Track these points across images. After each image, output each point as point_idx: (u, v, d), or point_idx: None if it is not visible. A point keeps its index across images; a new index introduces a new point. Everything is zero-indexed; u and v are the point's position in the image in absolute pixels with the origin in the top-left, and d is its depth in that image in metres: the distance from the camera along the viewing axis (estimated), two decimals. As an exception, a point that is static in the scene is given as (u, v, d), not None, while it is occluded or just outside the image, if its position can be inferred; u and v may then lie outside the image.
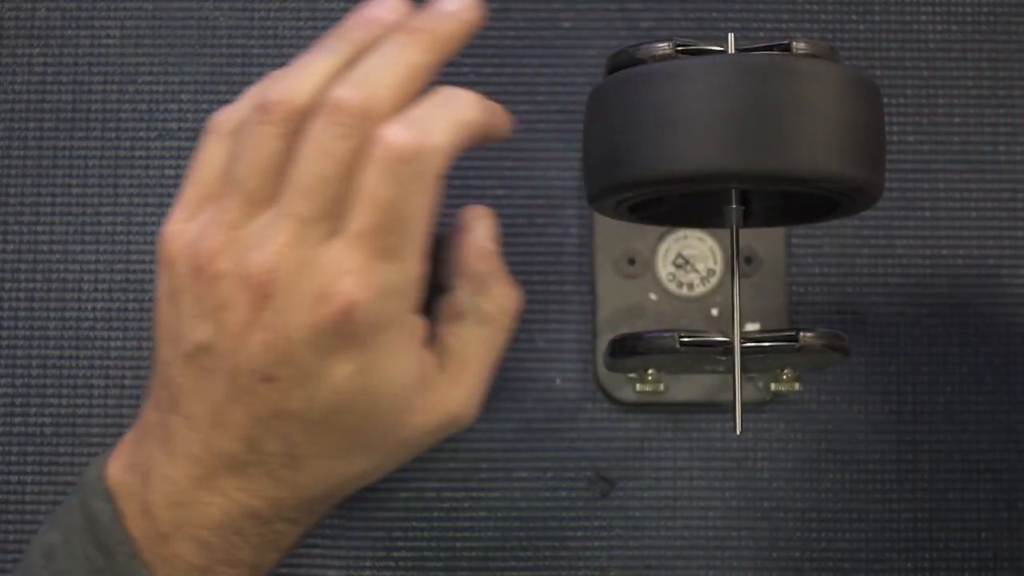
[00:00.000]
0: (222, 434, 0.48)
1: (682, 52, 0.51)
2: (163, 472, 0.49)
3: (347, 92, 0.46)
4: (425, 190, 0.46)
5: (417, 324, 0.49)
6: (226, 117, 0.50)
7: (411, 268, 0.47)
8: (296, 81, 0.48)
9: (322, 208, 0.46)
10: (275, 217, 0.47)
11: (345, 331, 0.46)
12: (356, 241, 0.46)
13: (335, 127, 0.46)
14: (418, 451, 0.53)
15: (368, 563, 0.69)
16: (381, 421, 0.49)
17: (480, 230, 0.53)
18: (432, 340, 0.52)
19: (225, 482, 0.49)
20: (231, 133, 0.49)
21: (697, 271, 0.70)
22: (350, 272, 0.46)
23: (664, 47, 0.51)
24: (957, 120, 0.72)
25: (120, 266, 0.71)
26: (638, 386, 0.62)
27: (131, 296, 0.71)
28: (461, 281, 0.52)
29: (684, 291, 0.70)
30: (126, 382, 0.70)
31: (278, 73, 0.49)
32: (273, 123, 0.47)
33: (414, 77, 0.48)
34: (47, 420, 0.70)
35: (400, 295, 0.47)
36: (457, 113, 0.47)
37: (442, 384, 0.51)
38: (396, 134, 0.46)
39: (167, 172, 0.71)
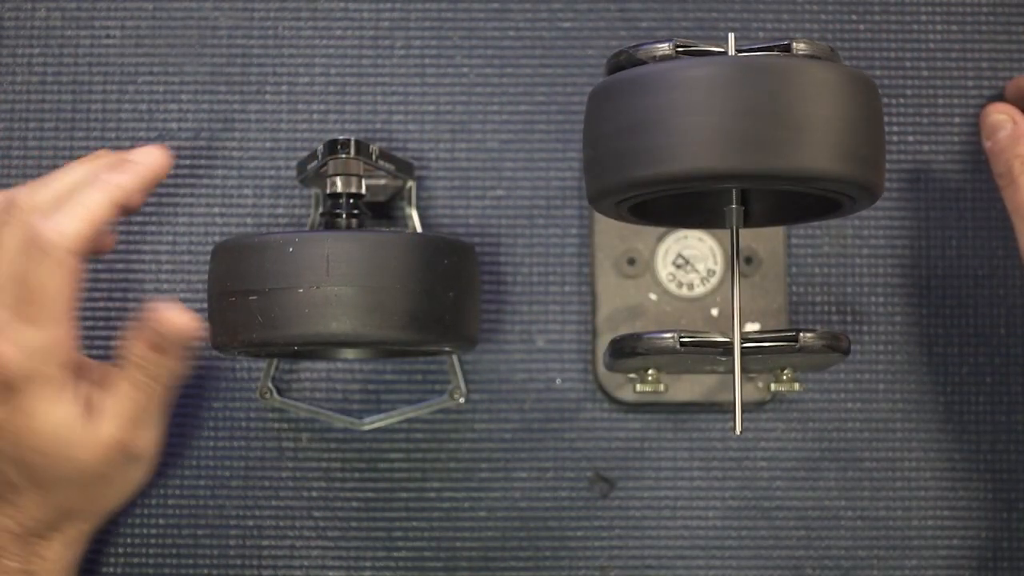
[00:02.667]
0: None
1: (682, 52, 0.51)
2: None
3: (11, 192, 0.58)
4: (56, 268, 0.56)
5: (65, 377, 0.58)
6: None
7: (51, 333, 0.56)
8: None
9: None
10: None
11: (3, 381, 0.56)
12: (7, 309, 0.56)
13: None
14: (113, 480, 0.62)
15: (368, 563, 0.70)
16: (52, 456, 0.58)
17: (149, 326, 0.60)
18: (97, 386, 0.61)
19: None
20: None
21: (697, 271, 0.70)
22: (3, 330, 0.56)
23: (664, 47, 0.51)
24: (957, 120, 0.72)
25: (120, 266, 0.70)
26: (638, 386, 0.62)
27: (130, 296, 0.71)
28: (125, 350, 0.60)
29: (684, 291, 0.70)
30: (126, 382, 0.70)
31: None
32: None
33: (70, 191, 0.59)
34: (47, 420, 0.70)
35: (43, 353, 0.56)
36: (85, 203, 0.57)
37: (102, 421, 0.59)
38: (35, 222, 0.56)
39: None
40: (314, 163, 0.64)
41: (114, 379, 0.61)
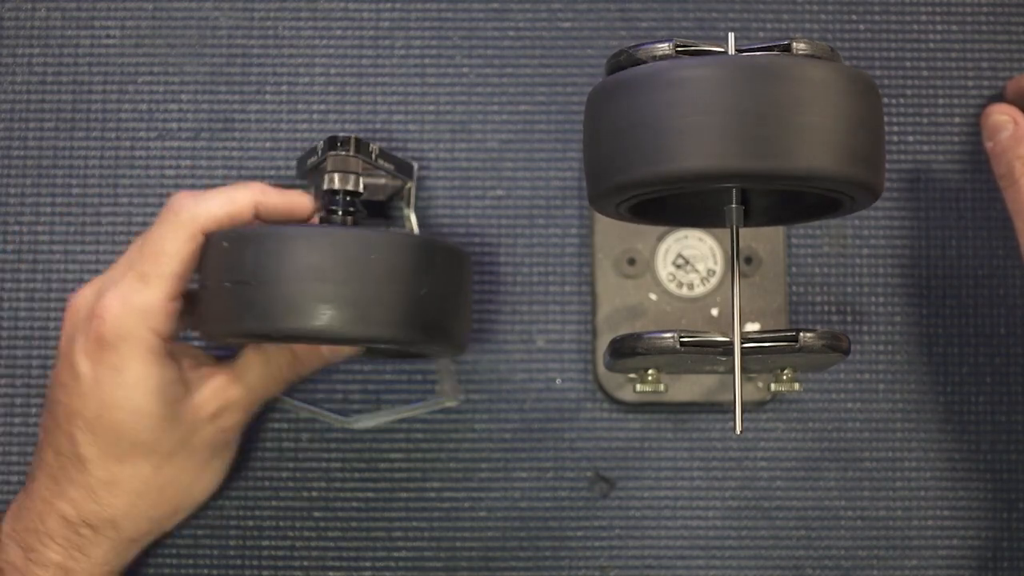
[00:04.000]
0: (43, 446, 0.61)
1: (682, 52, 0.51)
2: (22, 493, 0.62)
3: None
4: (179, 234, 0.59)
5: (161, 344, 0.60)
6: None
7: (154, 294, 0.59)
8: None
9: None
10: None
11: (100, 334, 0.59)
12: (129, 268, 0.60)
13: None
14: (179, 479, 0.63)
15: (368, 563, 0.70)
16: (142, 418, 0.59)
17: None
18: (205, 366, 0.63)
19: (42, 487, 0.60)
20: None
21: (697, 271, 0.70)
22: (116, 286, 0.60)
23: (664, 47, 0.51)
24: (957, 120, 0.72)
25: (120, 266, 0.70)
26: (638, 386, 0.62)
27: (131, 296, 0.70)
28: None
29: (684, 291, 0.70)
30: (126, 382, 0.70)
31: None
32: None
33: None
34: (47, 420, 0.70)
35: (141, 314, 0.59)
36: (232, 193, 0.61)
37: (207, 390, 0.62)
38: (179, 196, 0.61)
39: (167, 172, 0.71)
40: (314, 158, 0.64)
41: (238, 364, 0.63)
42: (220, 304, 0.59)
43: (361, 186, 0.64)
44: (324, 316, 0.57)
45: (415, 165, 0.69)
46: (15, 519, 0.61)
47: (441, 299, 0.60)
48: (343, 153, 0.63)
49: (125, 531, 0.61)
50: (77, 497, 0.60)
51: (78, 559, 0.60)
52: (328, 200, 0.63)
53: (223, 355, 0.65)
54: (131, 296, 0.59)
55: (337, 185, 0.63)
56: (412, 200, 0.69)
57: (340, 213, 0.63)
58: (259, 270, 0.57)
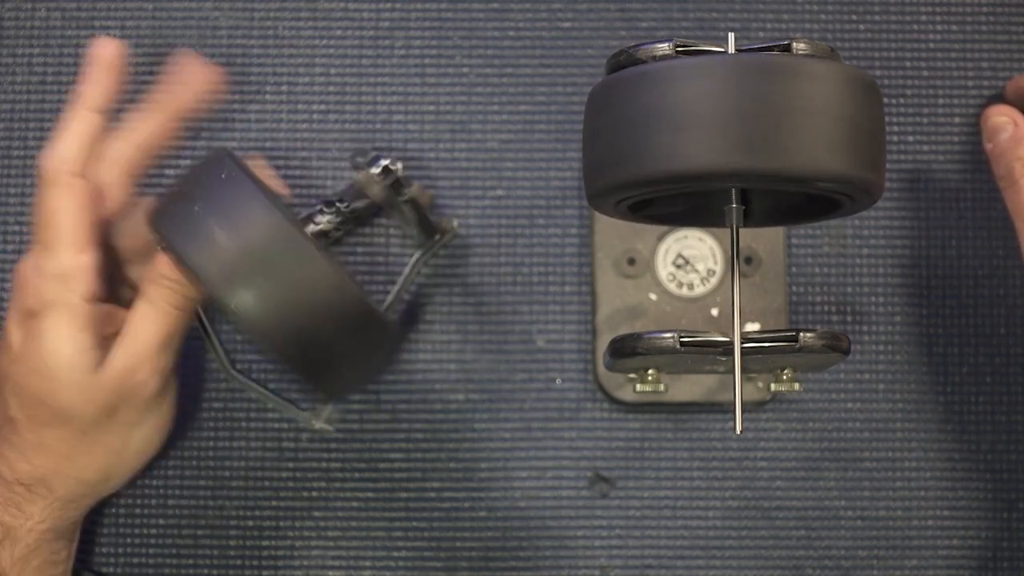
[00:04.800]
0: None
1: (682, 52, 0.51)
2: None
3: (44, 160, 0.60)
4: (61, 191, 0.58)
5: (81, 308, 0.59)
6: None
7: (66, 259, 0.58)
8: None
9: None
10: None
11: (26, 306, 0.59)
12: (35, 241, 0.59)
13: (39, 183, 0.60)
14: (106, 437, 0.62)
15: (368, 563, 0.70)
16: (54, 381, 0.59)
17: (137, 214, 0.61)
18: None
19: None
20: None
21: (697, 271, 0.70)
22: (28, 260, 0.60)
23: (664, 47, 0.51)
24: (957, 120, 0.72)
25: (120, 266, 0.70)
26: (638, 386, 0.62)
27: (131, 296, 0.70)
28: (149, 271, 0.61)
29: (684, 291, 0.70)
30: (126, 382, 0.70)
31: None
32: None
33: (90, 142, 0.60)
34: (47, 420, 0.70)
35: (59, 280, 0.58)
36: (69, 127, 0.60)
37: (116, 351, 0.60)
38: (42, 161, 0.59)
39: (167, 172, 0.71)
40: (360, 159, 0.64)
41: (130, 316, 0.61)
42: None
43: (363, 212, 0.64)
44: (242, 296, 0.55)
45: (449, 225, 0.69)
46: None
47: (333, 352, 0.57)
48: (374, 177, 0.62)
49: (57, 491, 0.62)
50: (11, 456, 0.61)
51: (16, 516, 0.61)
52: (329, 203, 0.63)
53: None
54: (41, 264, 0.59)
55: (345, 203, 0.63)
56: (414, 262, 0.69)
57: (326, 220, 0.63)
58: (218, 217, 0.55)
